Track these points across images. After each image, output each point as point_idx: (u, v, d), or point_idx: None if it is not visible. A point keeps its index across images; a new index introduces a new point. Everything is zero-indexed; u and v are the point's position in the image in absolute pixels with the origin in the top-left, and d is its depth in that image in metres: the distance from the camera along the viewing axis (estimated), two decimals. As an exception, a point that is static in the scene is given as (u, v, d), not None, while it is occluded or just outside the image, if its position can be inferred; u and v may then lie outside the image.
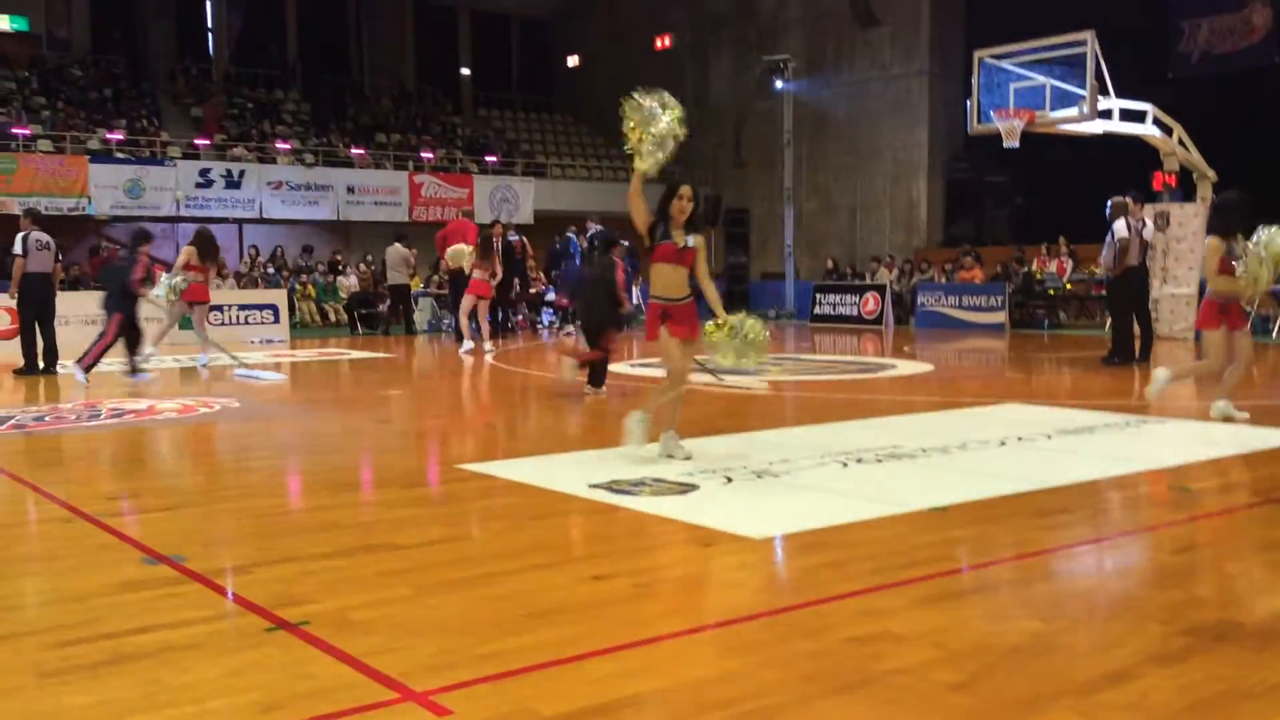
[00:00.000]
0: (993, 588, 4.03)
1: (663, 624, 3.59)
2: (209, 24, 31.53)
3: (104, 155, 23.33)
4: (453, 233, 17.40)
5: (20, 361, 12.49)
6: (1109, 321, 13.56)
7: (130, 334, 11.65)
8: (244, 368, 12.91)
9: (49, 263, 12.49)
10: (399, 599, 3.85)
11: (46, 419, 8.73)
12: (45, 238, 12.39)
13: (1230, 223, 7.97)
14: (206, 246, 13.04)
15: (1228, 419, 7.87)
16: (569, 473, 6.08)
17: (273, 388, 11.59)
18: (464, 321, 15.30)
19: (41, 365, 12.39)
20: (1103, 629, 3.53)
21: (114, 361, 12.08)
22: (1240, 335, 7.99)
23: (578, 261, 18.87)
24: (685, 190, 6.30)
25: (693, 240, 6.33)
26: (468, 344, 14.92)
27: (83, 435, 8.00)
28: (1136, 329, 12.74)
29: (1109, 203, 12.64)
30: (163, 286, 12.68)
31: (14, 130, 23.02)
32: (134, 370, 11.75)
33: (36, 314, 12.39)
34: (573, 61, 34.98)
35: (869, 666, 3.19)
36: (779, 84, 25.84)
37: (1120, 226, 12.40)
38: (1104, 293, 15.10)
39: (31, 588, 4.21)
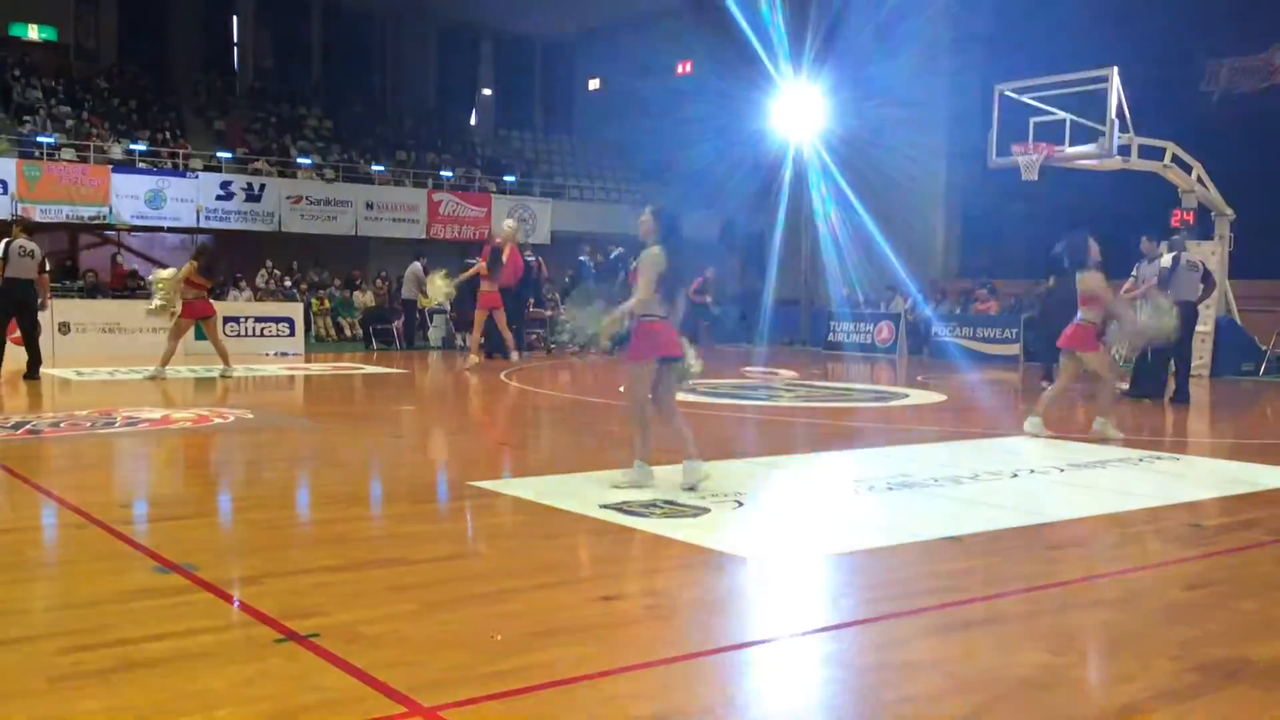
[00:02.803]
0: (1003, 619, 4.01)
1: (673, 646, 3.58)
2: (235, 39, 31.84)
3: (126, 165, 23.53)
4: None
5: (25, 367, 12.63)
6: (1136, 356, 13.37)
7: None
8: None
9: (31, 270, 12.60)
10: (408, 614, 3.85)
11: (62, 425, 8.78)
12: (31, 245, 12.63)
13: (1081, 258, 8.95)
14: (209, 261, 13.18)
15: (1106, 439, 8.61)
16: (581, 492, 6.07)
17: (286, 399, 11.63)
18: (476, 336, 15.58)
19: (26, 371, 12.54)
20: (1112, 664, 3.52)
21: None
22: (1088, 358, 8.90)
23: (590, 285, 18.87)
24: (643, 214, 6.29)
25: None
26: (514, 354, 15.43)
27: (97, 442, 8.04)
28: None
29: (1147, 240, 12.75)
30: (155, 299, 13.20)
31: (38, 138, 23.24)
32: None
33: (17, 317, 12.56)
34: (593, 85, 35.16)
35: (879, 695, 3.18)
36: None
37: (1166, 259, 12.44)
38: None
39: (43, 593, 4.23)
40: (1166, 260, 12.43)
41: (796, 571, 4.63)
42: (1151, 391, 12.39)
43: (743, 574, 4.51)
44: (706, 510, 5.64)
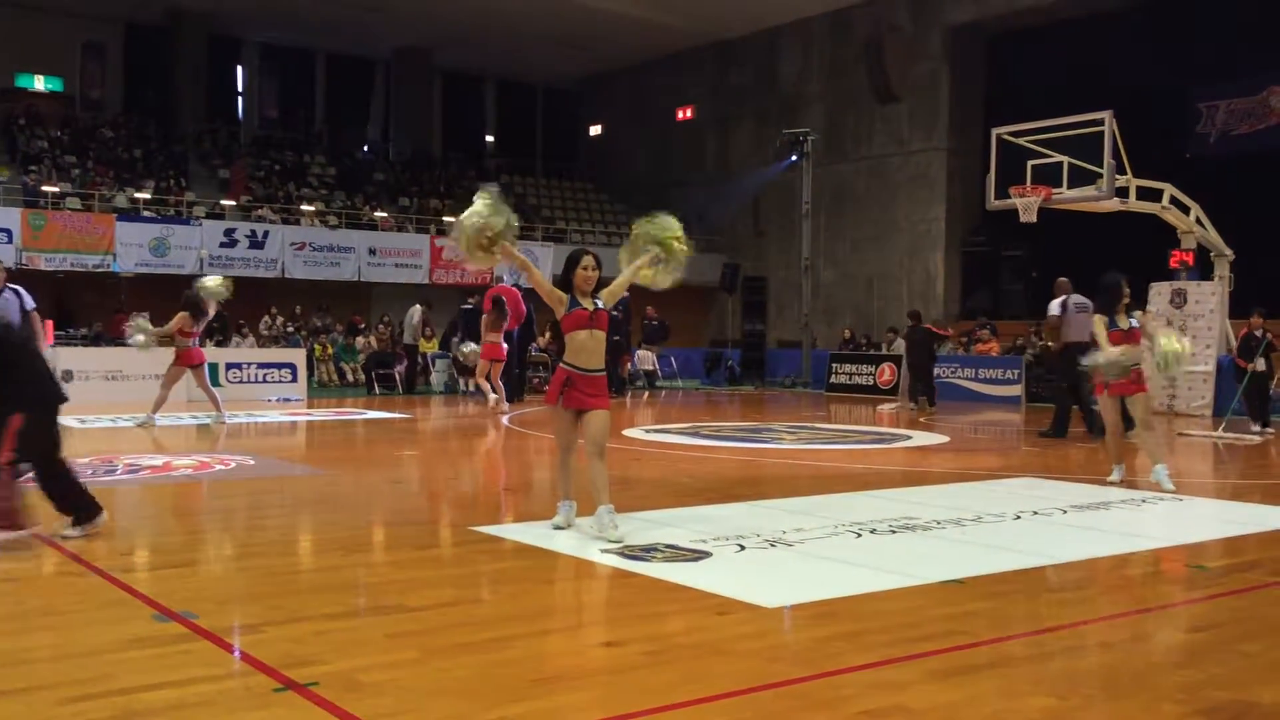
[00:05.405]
0: (1007, 663, 3.99)
1: (674, 692, 3.56)
2: (240, 88, 32.19)
3: (131, 213, 23.69)
4: (500, 293, 17.12)
5: None
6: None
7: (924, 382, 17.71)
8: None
9: None
10: (408, 661, 3.83)
11: (64, 473, 8.75)
12: None
13: (1112, 302, 8.83)
14: (197, 309, 13.15)
15: (1117, 481, 8.56)
16: (581, 537, 6.06)
17: (287, 445, 11.63)
18: (483, 384, 15.61)
19: None
20: (1117, 707, 3.49)
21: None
22: (1131, 401, 8.79)
23: None
24: (588, 260, 6.27)
25: (600, 301, 6.29)
26: (493, 398, 15.27)
27: (98, 490, 8.00)
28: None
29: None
30: (139, 340, 13.07)
31: (44, 187, 23.42)
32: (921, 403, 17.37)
33: None
34: (595, 131, 35.46)
35: (880, 740, 3.16)
36: (794, 156, 26.07)
37: (1053, 305, 12.81)
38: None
39: (43, 642, 4.20)
40: (1055, 306, 12.82)
41: (798, 615, 4.61)
42: (1058, 431, 12.81)
43: (745, 618, 4.49)
44: (708, 554, 5.62)
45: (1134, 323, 8.81)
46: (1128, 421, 10.81)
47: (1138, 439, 8.97)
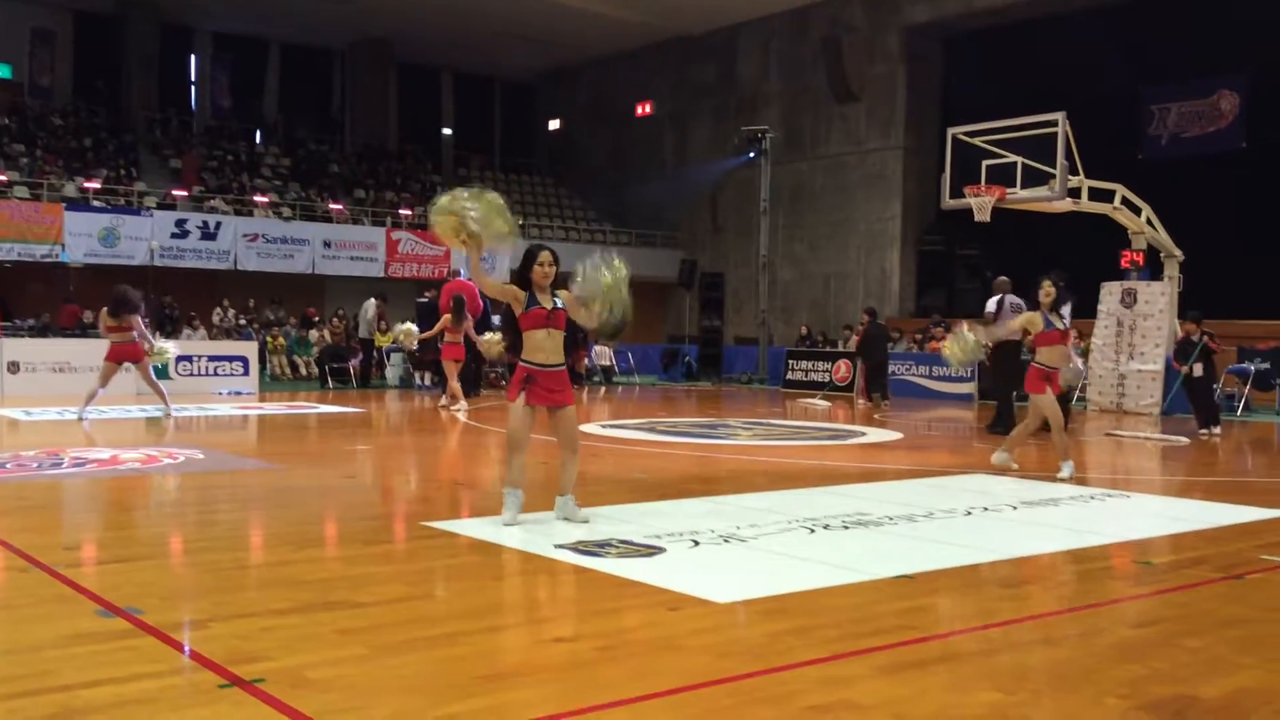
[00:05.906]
0: (955, 658, 4.02)
1: (624, 688, 3.56)
2: (192, 77, 31.74)
3: (80, 203, 23.30)
4: (459, 290, 16.84)
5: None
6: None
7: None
8: None
9: None
10: (357, 658, 3.80)
11: (8, 466, 8.62)
12: None
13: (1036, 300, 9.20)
14: (116, 306, 12.83)
15: (1067, 478, 8.77)
16: (535, 533, 6.05)
17: (238, 439, 11.49)
18: (454, 386, 15.21)
19: None
20: (1062, 702, 3.53)
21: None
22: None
23: None
24: (545, 256, 6.26)
25: (560, 300, 6.30)
26: (456, 405, 14.93)
27: (43, 484, 7.89)
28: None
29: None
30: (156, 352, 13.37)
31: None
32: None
33: None
34: (554, 125, 35.35)
35: (829, 735, 3.17)
36: (752, 153, 26.15)
37: (990, 304, 13.25)
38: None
39: (-18, 638, 4.13)
40: (991, 305, 13.12)
41: (750, 611, 4.62)
42: (1005, 425, 12.84)
43: (697, 614, 4.49)
44: (662, 550, 5.62)
45: (1064, 324, 9.16)
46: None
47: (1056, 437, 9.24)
